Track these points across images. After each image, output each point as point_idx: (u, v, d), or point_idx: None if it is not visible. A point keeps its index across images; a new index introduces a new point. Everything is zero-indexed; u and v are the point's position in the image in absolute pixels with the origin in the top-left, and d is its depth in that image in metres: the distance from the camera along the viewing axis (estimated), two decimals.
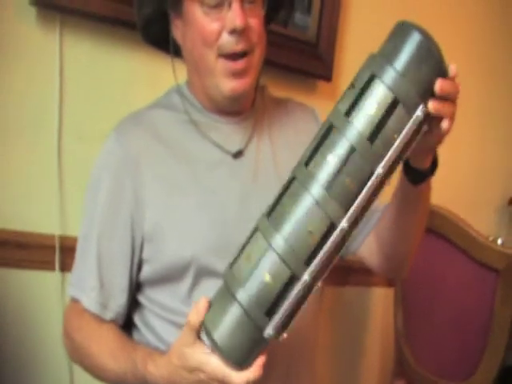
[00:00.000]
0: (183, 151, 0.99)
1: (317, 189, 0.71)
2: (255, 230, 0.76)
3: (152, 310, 0.99)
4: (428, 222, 1.61)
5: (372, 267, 1.13)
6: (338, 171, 0.70)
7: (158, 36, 1.03)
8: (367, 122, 0.70)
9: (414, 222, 1.01)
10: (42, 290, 1.27)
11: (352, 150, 0.70)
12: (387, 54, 0.72)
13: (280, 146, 1.05)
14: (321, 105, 1.67)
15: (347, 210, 0.71)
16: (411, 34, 0.71)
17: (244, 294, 0.72)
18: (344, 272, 1.79)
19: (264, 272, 0.72)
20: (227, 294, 0.75)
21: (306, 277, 0.72)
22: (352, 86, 0.74)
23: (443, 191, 2.04)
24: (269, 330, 0.73)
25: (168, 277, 0.96)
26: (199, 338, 0.78)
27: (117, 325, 0.98)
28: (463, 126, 2.18)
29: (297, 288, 0.72)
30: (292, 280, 0.72)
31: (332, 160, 0.71)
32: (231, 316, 0.74)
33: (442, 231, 1.60)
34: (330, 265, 0.75)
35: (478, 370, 1.49)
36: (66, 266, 1.27)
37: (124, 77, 1.35)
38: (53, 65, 1.26)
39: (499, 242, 1.78)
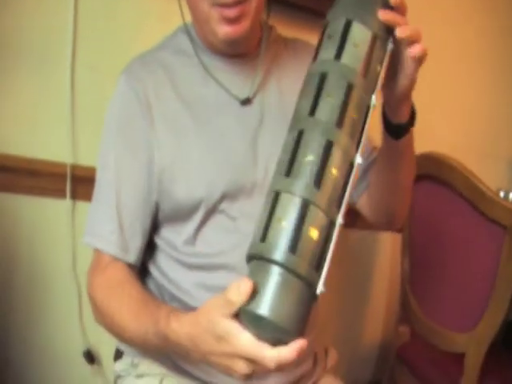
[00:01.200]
0: (191, 93, 0.98)
1: (331, 130, 0.71)
2: (276, 194, 0.70)
3: (161, 248, 1.00)
4: (436, 170, 1.63)
5: (369, 220, 1.15)
6: (345, 109, 0.72)
7: None
8: (357, 60, 0.75)
9: (401, 176, 1.02)
10: (52, 217, 1.30)
11: (351, 88, 0.73)
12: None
13: (287, 90, 1.04)
14: None
15: (358, 143, 0.74)
16: None
17: (290, 256, 0.65)
18: (352, 214, 1.79)
19: (307, 227, 0.67)
20: (267, 265, 0.67)
21: (340, 220, 0.70)
22: (328, 35, 0.78)
23: (452, 139, 2.04)
24: (320, 286, 0.67)
25: (176, 217, 0.97)
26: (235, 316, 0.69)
27: (134, 271, 0.97)
28: (474, 76, 2.16)
29: (335, 234, 0.69)
30: (331, 226, 0.69)
31: (335, 101, 0.72)
32: (277, 283, 0.66)
33: (450, 181, 1.59)
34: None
35: (481, 323, 1.49)
36: (76, 195, 1.30)
37: (136, 10, 1.35)
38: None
39: (511, 196, 1.77)
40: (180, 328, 0.76)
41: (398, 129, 0.90)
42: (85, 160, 1.30)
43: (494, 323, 1.49)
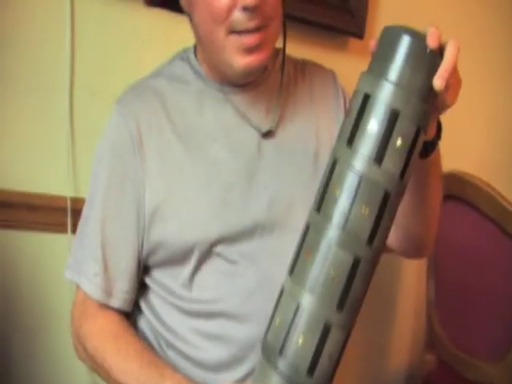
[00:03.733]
0: (185, 125, 0.93)
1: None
2: (281, 292, 0.73)
3: (156, 291, 0.95)
4: (460, 190, 1.56)
5: (394, 248, 1.07)
6: (352, 204, 0.67)
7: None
8: (398, 165, 0.67)
9: (429, 197, 0.95)
10: (53, 252, 1.25)
11: (360, 179, 0.66)
12: (377, 66, 0.69)
13: (290, 116, 0.99)
14: (352, 63, 1.58)
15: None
16: (400, 38, 0.67)
17: (284, 363, 0.69)
18: None
19: (299, 334, 0.68)
20: (267, 365, 0.72)
21: (338, 323, 0.69)
22: (347, 113, 0.71)
23: (478, 155, 1.95)
24: None
25: (170, 260, 0.92)
26: None
27: (125, 320, 0.94)
28: (498, 94, 2.06)
29: (331, 338, 0.69)
30: (326, 330, 0.68)
31: (343, 195, 0.67)
32: None
33: (475, 202, 1.52)
34: (359, 308, 0.73)
35: None
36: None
37: (137, 32, 1.30)
38: (64, 21, 1.21)
39: None
40: None
41: (424, 147, 0.82)
42: (85, 193, 1.22)
43: None
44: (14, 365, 1.24)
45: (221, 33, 0.85)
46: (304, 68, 1.06)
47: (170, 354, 0.93)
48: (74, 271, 0.95)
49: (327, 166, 0.71)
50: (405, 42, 0.66)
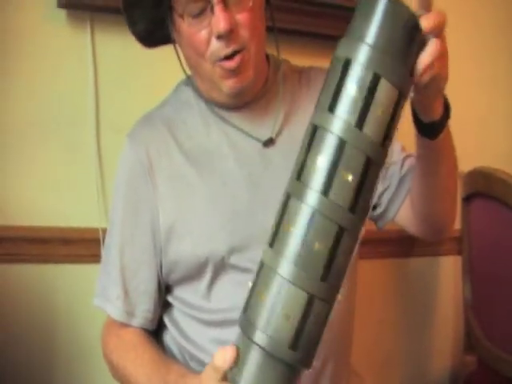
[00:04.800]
0: (194, 147, 0.98)
1: (315, 196, 0.65)
2: (260, 265, 0.70)
3: (177, 307, 1.01)
4: (486, 187, 1.54)
5: (412, 232, 1.08)
6: (333, 169, 0.64)
7: (162, 40, 1.01)
8: (380, 131, 0.65)
9: (443, 178, 0.94)
10: (89, 283, 1.29)
11: (342, 143, 0.64)
12: (354, 31, 0.66)
13: (293, 124, 1.01)
14: None
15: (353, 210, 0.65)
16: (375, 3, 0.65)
17: (262, 335, 0.66)
18: (407, 243, 1.73)
19: (280, 305, 0.66)
20: (246, 339, 0.69)
21: (322, 295, 0.66)
22: (326, 79, 0.68)
23: (501, 153, 1.92)
24: (298, 364, 0.67)
25: (188, 276, 0.97)
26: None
27: (147, 333, 1.01)
28: None
29: (317, 308, 0.66)
30: (311, 302, 0.65)
31: (323, 161, 0.65)
32: (256, 364, 0.67)
33: (503, 197, 1.50)
34: (344, 275, 0.69)
35: None
36: None
37: (159, 67, 1.33)
38: (86, 62, 1.29)
39: None
40: None
41: (432, 127, 0.82)
42: None
43: None
44: None
45: (207, 64, 0.90)
46: (309, 74, 1.08)
47: (193, 365, 0.98)
48: (101, 297, 1.02)
49: (307, 132, 0.69)
50: (382, 3, 0.64)
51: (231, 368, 0.69)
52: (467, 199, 1.68)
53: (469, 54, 1.78)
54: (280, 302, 0.65)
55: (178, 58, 0.99)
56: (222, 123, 0.99)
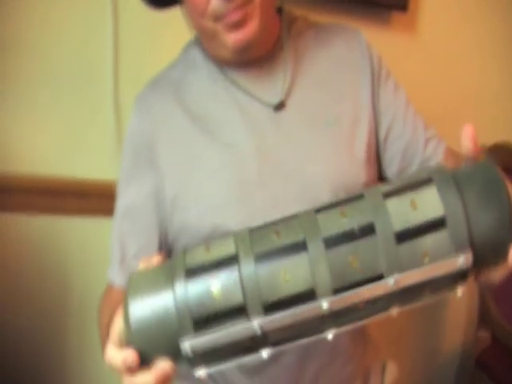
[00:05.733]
0: (201, 110, 0.94)
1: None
2: (235, 235, 0.66)
3: None
4: (510, 161, 1.50)
5: None
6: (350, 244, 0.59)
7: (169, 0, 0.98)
8: (403, 217, 0.58)
9: None
10: (103, 237, 1.27)
11: (371, 231, 0.58)
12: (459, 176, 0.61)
13: (306, 85, 0.97)
14: (396, 38, 1.55)
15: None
16: (492, 172, 0.60)
17: (183, 290, 0.60)
18: None
19: (214, 282, 0.59)
20: (171, 274, 0.62)
21: (255, 323, 0.59)
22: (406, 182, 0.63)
23: None
24: (185, 344, 0.59)
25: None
26: None
27: None
28: None
29: (241, 326, 0.59)
30: (241, 312, 0.59)
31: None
32: (161, 300, 0.61)
33: None
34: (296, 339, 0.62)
35: None
36: None
37: (180, 21, 1.30)
38: (105, 11, 1.25)
39: None
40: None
41: None
42: None
43: None
44: (69, 341, 1.31)
45: (209, 23, 0.87)
46: (327, 32, 1.02)
47: None
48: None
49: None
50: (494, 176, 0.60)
51: None
52: None
53: (483, 26, 1.74)
54: None
55: (186, 18, 0.95)
56: (230, 86, 0.95)
